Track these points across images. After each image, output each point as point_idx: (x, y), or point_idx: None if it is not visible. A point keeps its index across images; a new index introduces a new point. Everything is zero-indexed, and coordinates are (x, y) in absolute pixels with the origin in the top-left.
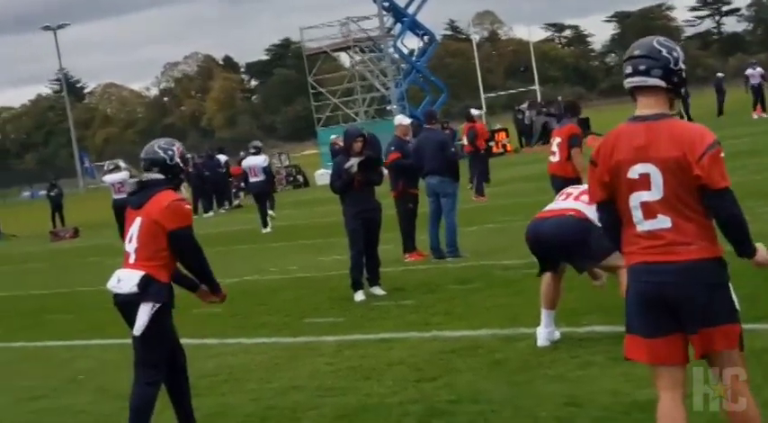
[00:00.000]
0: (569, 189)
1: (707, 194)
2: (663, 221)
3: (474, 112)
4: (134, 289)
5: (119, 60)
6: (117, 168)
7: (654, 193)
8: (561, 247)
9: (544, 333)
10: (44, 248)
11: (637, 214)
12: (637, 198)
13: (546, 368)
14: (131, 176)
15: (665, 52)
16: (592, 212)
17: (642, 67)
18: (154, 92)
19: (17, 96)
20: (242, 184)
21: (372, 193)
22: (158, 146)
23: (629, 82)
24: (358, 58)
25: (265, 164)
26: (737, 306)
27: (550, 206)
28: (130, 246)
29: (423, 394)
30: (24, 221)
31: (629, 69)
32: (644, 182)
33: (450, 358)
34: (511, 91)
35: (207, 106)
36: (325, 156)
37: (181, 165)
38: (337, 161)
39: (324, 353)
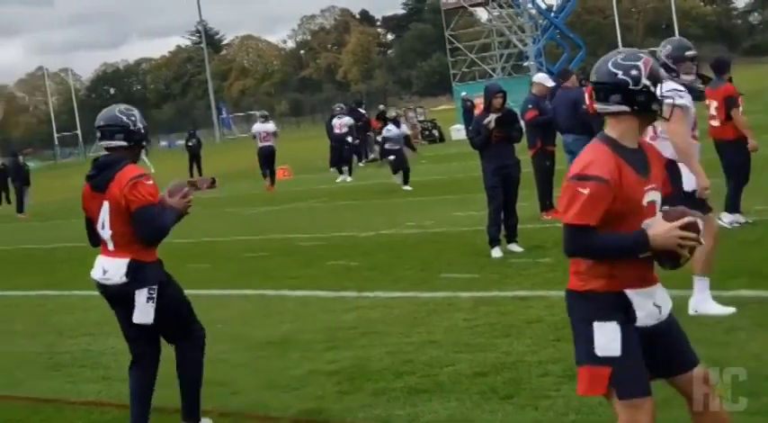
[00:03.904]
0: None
1: None
2: None
3: None
4: (123, 278)
5: (256, 12)
6: (265, 119)
7: None
8: None
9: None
10: None
11: None
12: None
13: (691, 332)
14: (274, 134)
15: (620, 75)
16: None
17: (601, 95)
18: (290, 44)
19: (157, 47)
20: (377, 138)
21: (511, 149)
22: (119, 110)
23: (596, 108)
24: (496, 13)
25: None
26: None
27: None
28: (105, 232)
29: (562, 354)
30: (162, 170)
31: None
32: None
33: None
34: (651, 49)
35: (343, 59)
36: (460, 111)
37: (143, 131)
38: (476, 118)
39: (461, 308)
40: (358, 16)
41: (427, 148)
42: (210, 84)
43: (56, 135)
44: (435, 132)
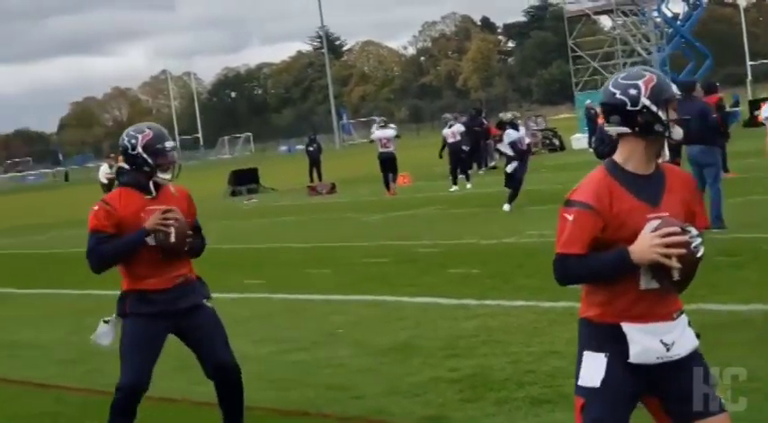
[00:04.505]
0: None
1: None
2: None
3: None
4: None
5: (377, 19)
6: (386, 125)
7: None
8: None
9: None
10: (302, 202)
11: None
12: None
13: None
14: (396, 136)
15: (618, 94)
16: None
17: (606, 115)
18: (411, 51)
19: (278, 52)
20: (497, 146)
21: None
22: (127, 132)
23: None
24: (620, 21)
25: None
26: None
27: None
28: None
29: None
30: (282, 175)
31: None
32: None
33: (716, 332)
34: None
35: (463, 66)
36: (581, 120)
37: (144, 156)
38: (601, 127)
39: None
40: (479, 23)
41: (547, 157)
42: (331, 89)
43: (178, 138)
44: (556, 141)
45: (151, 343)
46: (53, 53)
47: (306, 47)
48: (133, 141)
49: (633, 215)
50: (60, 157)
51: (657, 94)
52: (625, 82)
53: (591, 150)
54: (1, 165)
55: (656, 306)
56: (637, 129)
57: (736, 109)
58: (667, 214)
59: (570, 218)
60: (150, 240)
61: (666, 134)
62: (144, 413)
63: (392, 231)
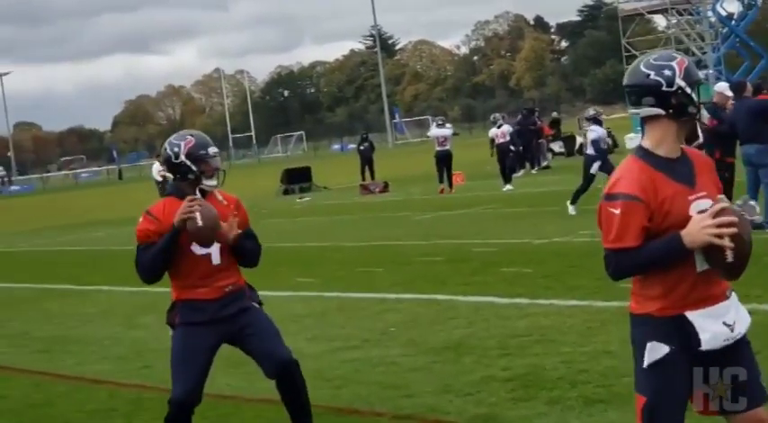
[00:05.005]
0: None
1: None
2: None
3: None
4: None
5: (430, 17)
6: (443, 124)
7: None
8: None
9: None
10: (354, 201)
11: None
12: None
13: None
14: (454, 134)
15: (653, 75)
16: None
17: (633, 98)
18: (464, 50)
19: (330, 51)
20: (550, 146)
21: None
22: (168, 141)
23: (631, 114)
24: (674, 20)
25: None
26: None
27: None
28: None
29: None
30: (334, 174)
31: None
32: None
33: None
34: None
35: (516, 66)
36: (635, 119)
37: (187, 163)
38: None
39: None
40: (532, 22)
41: None
42: (384, 88)
43: (230, 136)
44: (609, 140)
45: (201, 354)
46: (107, 51)
47: (359, 46)
48: (176, 150)
49: (677, 200)
50: (114, 154)
51: (690, 76)
52: (659, 63)
53: None
54: (55, 163)
55: (713, 287)
56: (671, 111)
57: None
58: (706, 193)
59: (617, 211)
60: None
61: (697, 117)
62: (198, 408)
63: (445, 230)
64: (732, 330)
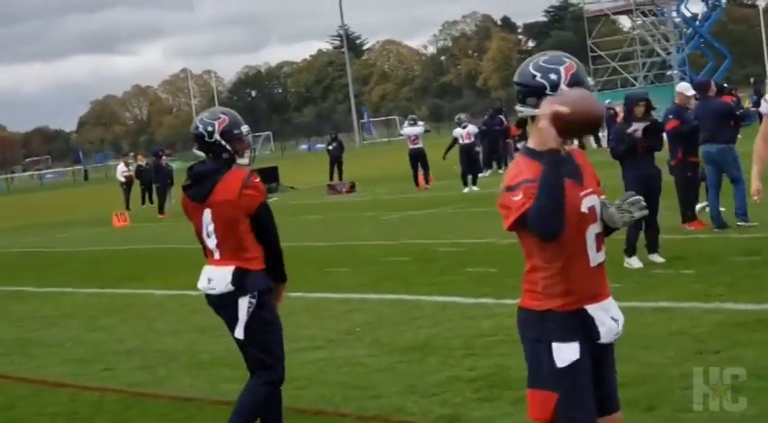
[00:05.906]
0: None
1: None
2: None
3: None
4: (229, 287)
5: (397, 18)
6: (415, 122)
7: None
8: None
9: None
10: (321, 201)
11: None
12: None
13: None
14: (426, 131)
15: (539, 77)
16: None
17: (520, 96)
18: (431, 50)
19: (298, 51)
20: (517, 145)
21: (652, 159)
22: (200, 119)
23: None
24: (639, 21)
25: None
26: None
27: None
28: (210, 241)
29: (707, 367)
30: (302, 174)
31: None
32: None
33: (733, 331)
34: None
35: (483, 66)
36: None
37: (222, 143)
38: (618, 127)
39: None
40: (499, 23)
41: None
42: (351, 88)
43: None
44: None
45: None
46: (73, 51)
47: (326, 46)
48: (210, 129)
49: (569, 193)
50: (80, 155)
51: (576, 83)
52: (547, 66)
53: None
54: (20, 163)
55: (603, 283)
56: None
57: (755, 109)
58: (592, 190)
59: (518, 197)
60: None
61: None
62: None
63: (411, 230)
64: (618, 326)
